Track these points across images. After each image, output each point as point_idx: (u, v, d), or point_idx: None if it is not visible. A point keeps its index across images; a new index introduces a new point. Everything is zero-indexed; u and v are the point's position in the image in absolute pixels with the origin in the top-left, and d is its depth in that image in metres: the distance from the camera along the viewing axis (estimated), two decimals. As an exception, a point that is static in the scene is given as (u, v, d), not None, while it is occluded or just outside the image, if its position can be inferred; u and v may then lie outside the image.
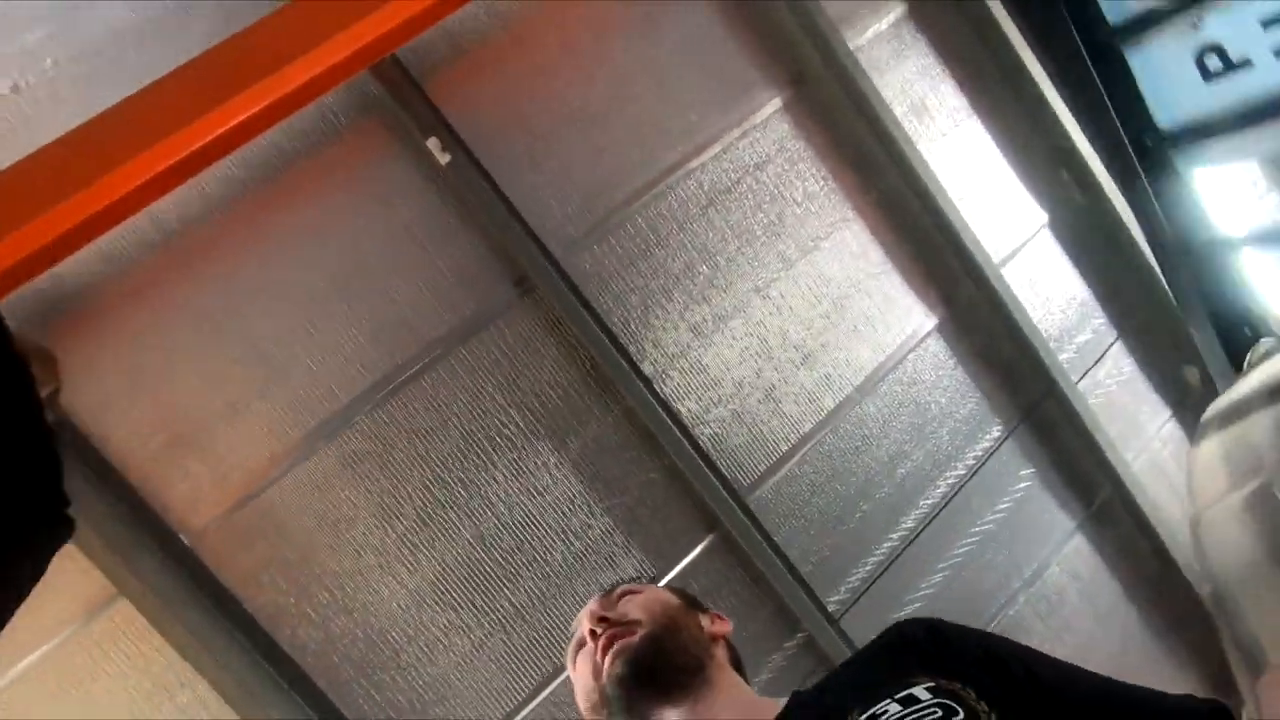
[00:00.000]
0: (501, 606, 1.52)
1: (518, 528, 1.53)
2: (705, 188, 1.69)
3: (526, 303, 1.55)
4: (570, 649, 0.89)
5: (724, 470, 1.63)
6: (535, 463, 1.55)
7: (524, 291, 1.55)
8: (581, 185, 1.61)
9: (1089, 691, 0.70)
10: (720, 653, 0.86)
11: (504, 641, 1.51)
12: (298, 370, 1.43)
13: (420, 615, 1.47)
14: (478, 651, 1.50)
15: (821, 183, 1.77)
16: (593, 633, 0.82)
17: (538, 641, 1.53)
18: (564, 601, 1.55)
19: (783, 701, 0.76)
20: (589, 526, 1.57)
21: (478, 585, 1.50)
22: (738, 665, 0.90)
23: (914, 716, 0.64)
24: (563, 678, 1.53)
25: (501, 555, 1.52)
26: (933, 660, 0.72)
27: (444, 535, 1.49)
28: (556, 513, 1.56)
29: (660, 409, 1.58)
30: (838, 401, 1.75)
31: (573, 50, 1.61)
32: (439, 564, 1.48)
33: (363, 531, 1.45)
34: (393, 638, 1.46)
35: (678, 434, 1.59)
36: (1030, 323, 1.84)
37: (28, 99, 1.32)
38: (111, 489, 1.31)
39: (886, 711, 0.65)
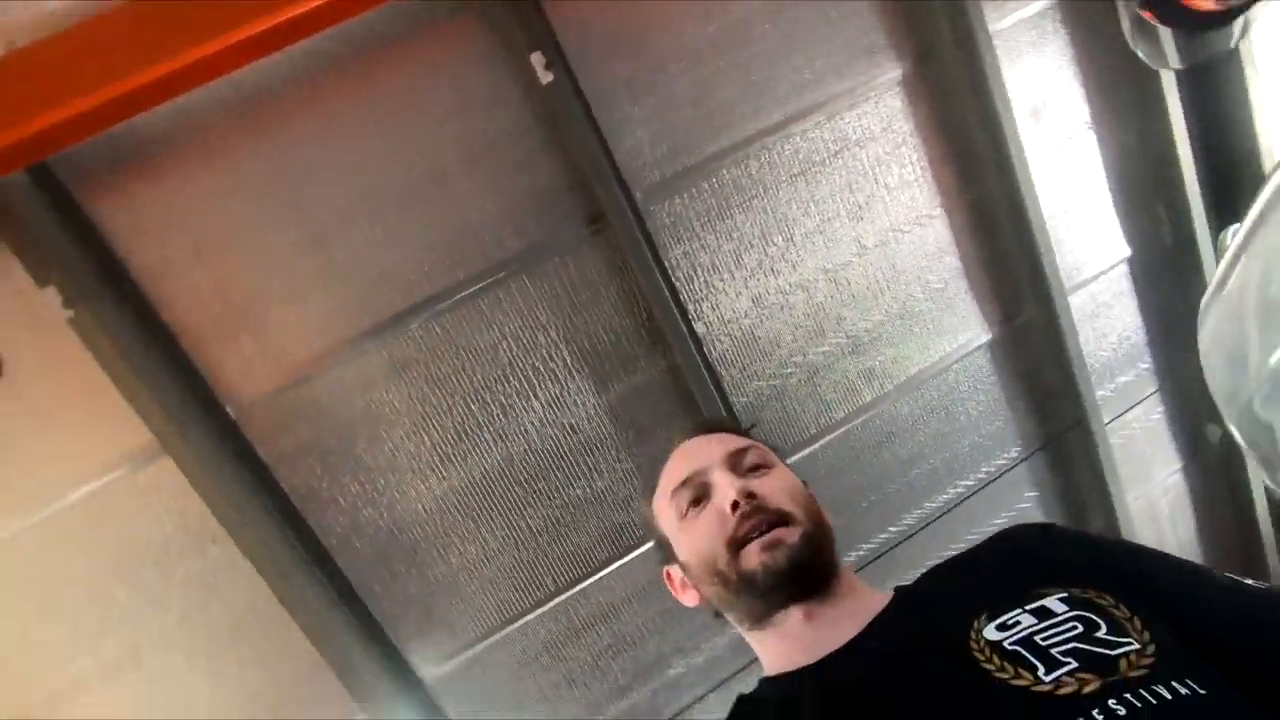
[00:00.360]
0: (517, 525, 1.59)
1: (546, 457, 1.58)
2: (800, 155, 1.61)
3: (596, 241, 1.51)
4: (672, 490, 0.85)
5: (750, 440, 1.67)
6: (574, 400, 1.57)
7: (596, 230, 1.51)
8: (676, 128, 1.52)
9: (1220, 592, 0.66)
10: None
11: (514, 557, 1.60)
12: (360, 267, 1.40)
13: (441, 520, 1.54)
14: (488, 561, 1.59)
15: (919, 172, 1.69)
16: (736, 505, 0.78)
17: (544, 564, 1.62)
18: (576, 533, 1.62)
19: (885, 597, 0.76)
20: (613, 469, 1.62)
21: (498, 502, 1.57)
22: None
23: (1051, 632, 0.60)
24: (557, 602, 1.64)
25: (525, 479, 1.58)
26: (1059, 566, 0.68)
27: (475, 451, 1.53)
28: (585, 450, 1.60)
29: (705, 371, 1.58)
30: (875, 396, 1.77)
31: (701, -23, 1.47)
32: (466, 477, 1.54)
33: (400, 434, 1.48)
34: (413, 534, 1.53)
35: (716, 397, 1.60)
36: (1080, 356, 1.83)
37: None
38: (165, 350, 1.32)
39: (1019, 623, 0.62)
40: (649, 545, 1.67)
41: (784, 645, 0.75)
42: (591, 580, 1.65)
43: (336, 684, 1.51)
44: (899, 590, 0.76)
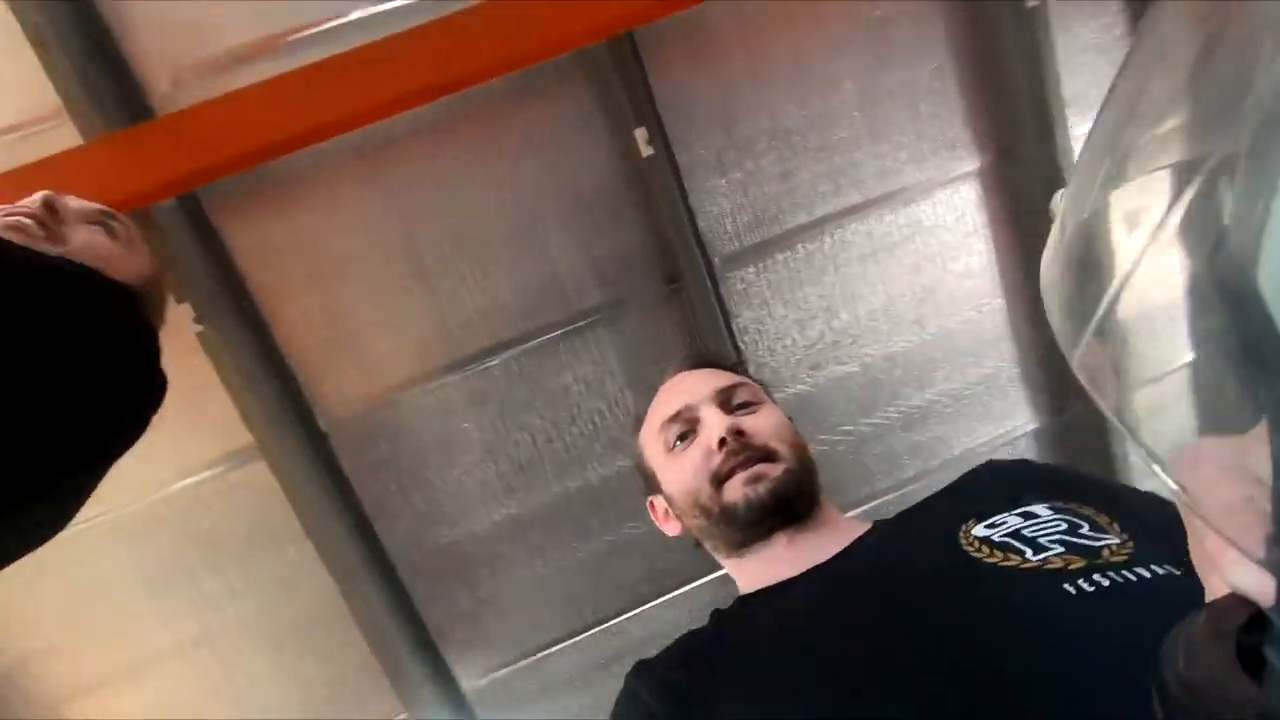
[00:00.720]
0: (567, 557, 1.68)
1: (601, 495, 1.67)
2: (873, 237, 1.68)
3: (672, 301, 1.60)
4: (660, 423, 0.87)
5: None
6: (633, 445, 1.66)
7: (674, 290, 1.60)
8: (758, 202, 1.61)
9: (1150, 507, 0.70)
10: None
11: (560, 586, 1.69)
12: (455, 304, 1.51)
13: (497, 544, 1.64)
14: (536, 587, 1.68)
15: (985, 262, 1.75)
16: (723, 442, 0.79)
17: (587, 595, 1.71)
18: (621, 569, 1.71)
19: (866, 524, 0.79)
20: (660, 513, 1.71)
21: (552, 534, 1.66)
22: None
23: (1038, 526, 0.63)
24: (594, 632, 1.73)
25: (580, 515, 1.67)
26: (1040, 485, 0.71)
27: (537, 483, 1.63)
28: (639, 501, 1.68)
29: (758, 431, 1.66)
30: (918, 471, 1.83)
31: (797, 64, 1.56)
32: (525, 506, 1.64)
33: (470, 460, 1.59)
34: (470, 554, 1.64)
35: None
36: (1125, 457, 1.87)
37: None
38: (274, 365, 1.44)
39: (1007, 522, 0.64)
40: (690, 586, 1.75)
41: (766, 566, 0.77)
42: (630, 615, 1.74)
43: (385, 684, 1.62)
44: (878, 521, 0.79)
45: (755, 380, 0.92)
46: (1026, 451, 1.89)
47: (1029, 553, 0.60)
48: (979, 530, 0.65)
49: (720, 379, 0.88)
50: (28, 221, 0.70)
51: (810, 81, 1.58)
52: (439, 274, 1.50)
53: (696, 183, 1.56)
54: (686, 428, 0.85)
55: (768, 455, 0.79)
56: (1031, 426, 1.87)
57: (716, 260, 1.59)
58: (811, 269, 1.67)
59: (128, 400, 0.72)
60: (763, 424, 0.83)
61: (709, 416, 0.83)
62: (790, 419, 0.88)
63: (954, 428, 1.83)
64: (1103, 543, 0.61)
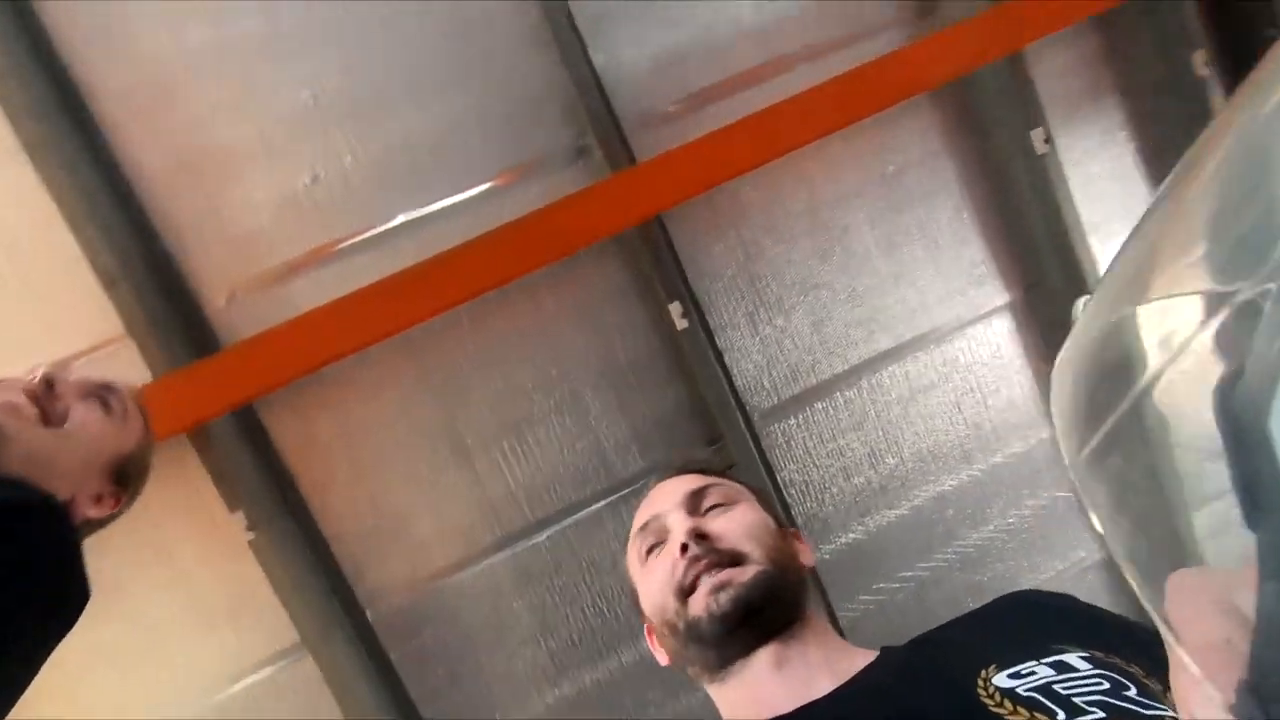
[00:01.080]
0: (622, 735, 1.61)
1: (655, 670, 1.60)
2: (911, 379, 1.68)
3: (715, 461, 1.59)
4: (640, 541, 0.79)
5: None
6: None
7: (715, 450, 1.59)
8: (791, 355, 1.62)
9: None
10: (810, 584, 0.79)
11: (618, 767, 1.61)
12: (497, 481, 1.51)
13: (551, 727, 1.58)
14: (593, 771, 1.60)
15: (1026, 393, 1.73)
16: (684, 548, 0.72)
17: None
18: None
19: (870, 653, 0.70)
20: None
21: (610, 712, 1.59)
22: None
23: (1077, 684, 0.54)
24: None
25: (636, 689, 1.60)
26: (1080, 629, 0.63)
27: (590, 659, 1.58)
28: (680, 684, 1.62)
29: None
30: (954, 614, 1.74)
31: (816, 218, 1.61)
32: (579, 688, 1.57)
33: (519, 640, 1.55)
34: (523, 741, 1.57)
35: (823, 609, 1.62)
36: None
37: (323, 189, 1.42)
38: (321, 561, 1.43)
39: (1035, 673, 0.56)
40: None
41: (749, 696, 0.68)
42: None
43: None
44: (885, 649, 0.69)
45: (743, 482, 0.86)
46: (1100, 585, 1.80)
47: (1061, 715, 0.52)
48: (1001, 680, 0.57)
49: (691, 483, 0.81)
50: (23, 402, 0.73)
51: (831, 233, 1.62)
52: (482, 452, 1.51)
53: (730, 341, 1.58)
54: (656, 538, 0.78)
55: (734, 559, 0.71)
56: (1099, 556, 1.79)
57: (756, 417, 1.59)
58: (852, 416, 1.66)
59: (50, 611, 0.70)
60: (732, 524, 0.75)
61: (674, 523, 0.76)
62: (762, 494, 0.81)
63: (1016, 564, 1.76)
64: (1154, 713, 0.52)
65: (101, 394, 0.81)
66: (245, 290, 1.39)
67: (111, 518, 0.83)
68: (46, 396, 0.75)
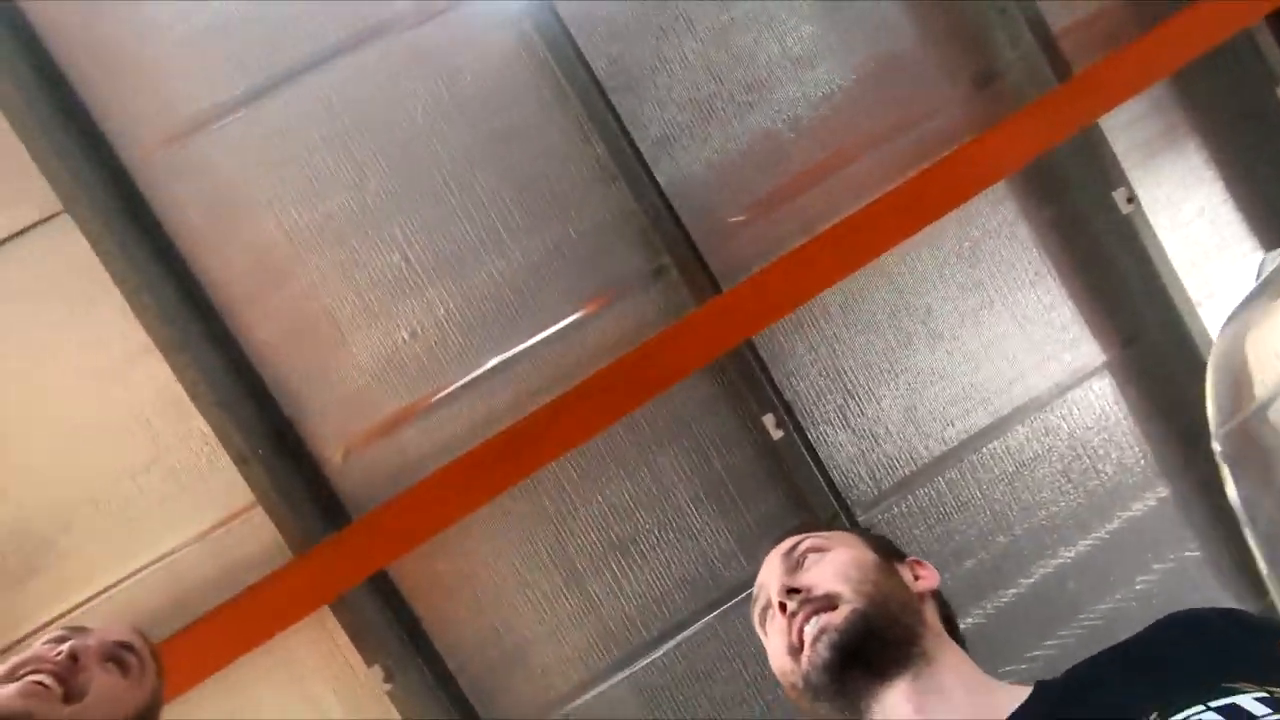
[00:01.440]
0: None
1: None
2: (1013, 453, 1.63)
3: (816, 520, 1.58)
4: (755, 611, 0.80)
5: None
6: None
7: (821, 548, 1.58)
8: (886, 443, 1.60)
9: None
10: (931, 613, 0.75)
11: None
12: (611, 603, 1.54)
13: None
14: None
15: (1138, 454, 1.67)
16: (783, 606, 0.71)
17: None
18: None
19: (1022, 690, 0.66)
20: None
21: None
22: (950, 624, 0.78)
23: None
24: None
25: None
26: (1254, 658, 0.57)
27: (716, 770, 1.58)
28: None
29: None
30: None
31: (898, 303, 1.60)
32: (709, 797, 1.57)
33: (646, 757, 1.56)
34: None
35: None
36: None
37: (421, 343, 1.49)
38: (452, 698, 1.48)
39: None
40: None
41: None
42: None
43: None
44: (1041, 684, 0.65)
45: (845, 526, 0.87)
46: (1239, 643, 1.70)
47: None
48: None
49: (786, 544, 0.80)
50: (49, 683, 0.77)
51: (914, 315, 1.61)
52: (593, 574, 1.54)
53: (823, 436, 1.58)
54: (762, 607, 0.78)
55: (828, 603, 0.69)
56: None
57: (858, 511, 1.57)
58: (957, 498, 1.62)
59: None
60: (825, 570, 0.73)
61: (771, 585, 0.75)
62: (868, 534, 0.79)
63: (1149, 632, 1.67)
64: None
65: (119, 655, 0.86)
66: (358, 445, 1.47)
67: None
68: (70, 671, 0.80)
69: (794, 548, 0.78)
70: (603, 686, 1.54)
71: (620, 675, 1.54)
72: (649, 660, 1.55)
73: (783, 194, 1.57)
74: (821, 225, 1.51)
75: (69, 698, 0.79)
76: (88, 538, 1.39)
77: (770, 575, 0.78)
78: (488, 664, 1.51)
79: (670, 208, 1.50)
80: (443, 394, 1.48)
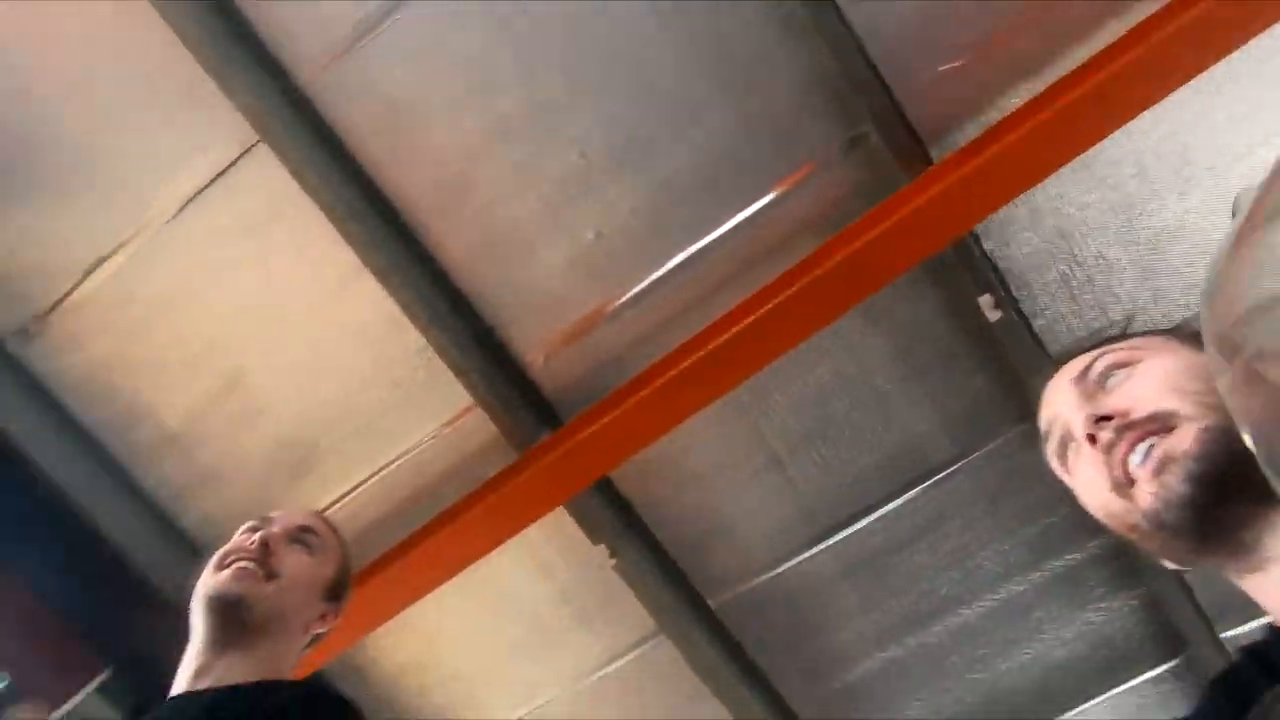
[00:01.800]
0: (956, 687, 1.71)
1: (987, 621, 1.67)
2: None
3: (1024, 442, 1.51)
4: (1050, 449, 0.67)
5: None
6: (1013, 579, 1.63)
7: (1027, 430, 1.51)
8: (1095, 294, 1.44)
9: None
10: None
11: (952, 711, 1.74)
12: (810, 482, 1.58)
13: (887, 682, 1.72)
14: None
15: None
16: (1091, 438, 0.59)
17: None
18: (1013, 688, 1.71)
19: None
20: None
21: (938, 669, 1.70)
22: None
23: None
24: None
25: (959, 650, 1.68)
26: None
27: (916, 632, 1.67)
28: (1019, 630, 1.66)
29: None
30: None
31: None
32: (909, 651, 1.69)
33: (845, 615, 1.67)
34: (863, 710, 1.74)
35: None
36: None
37: (607, 241, 1.46)
38: (669, 570, 1.63)
39: None
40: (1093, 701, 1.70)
41: None
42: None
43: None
44: None
45: (1150, 331, 0.70)
46: None
47: None
48: None
49: (1075, 366, 0.66)
50: (251, 567, 0.93)
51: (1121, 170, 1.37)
52: (792, 457, 1.57)
53: (1039, 308, 1.45)
54: (1061, 442, 0.65)
55: (1163, 424, 0.56)
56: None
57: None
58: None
59: None
60: (1142, 385, 0.60)
61: (1071, 415, 0.63)
62: (1177, 331, 0.65)
63: None
64: None
65: (302, 537, 1.00)
66: (558, 347, 1.52)
67: (333, 627, 1.05)
68: (263, 556, 0.95)
69: (1087, 369, 0.64)
70: (805, 555, 1.63)
71: (819, 547, 1.62)
72: (847, 533, 1.60)
73: (995, 41, 1.32)
74: (1049, 72, 1.27)
75: (269, 577, 0.95)
76: (342, 439, 1.57)
77: (1064, 405, 0.64)
78: (696, 533, 1.63)
79: (874, 66, 1.30)
80: (634, 291, 1.47)
